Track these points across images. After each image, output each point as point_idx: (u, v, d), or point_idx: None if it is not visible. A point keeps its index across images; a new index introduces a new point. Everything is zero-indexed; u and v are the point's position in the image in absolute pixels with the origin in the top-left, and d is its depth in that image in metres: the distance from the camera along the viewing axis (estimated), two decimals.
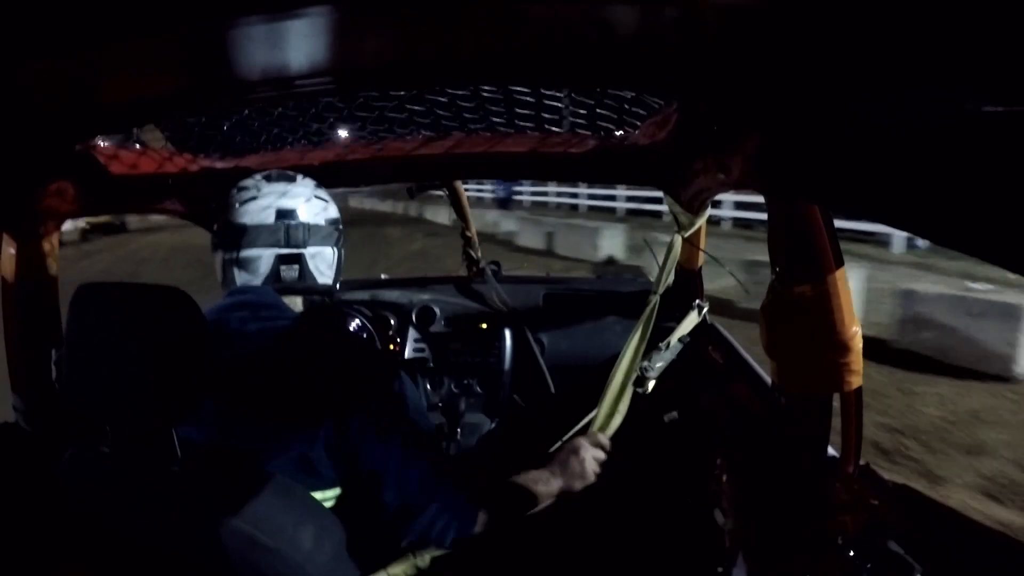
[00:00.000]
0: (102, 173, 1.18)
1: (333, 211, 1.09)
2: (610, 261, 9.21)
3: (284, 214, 1.01)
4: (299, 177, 1.09)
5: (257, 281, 1.02)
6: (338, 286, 1.14)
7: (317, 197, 1.07)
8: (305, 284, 1.03)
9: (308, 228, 1.02)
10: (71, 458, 0.93)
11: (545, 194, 16.54)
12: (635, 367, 1.43)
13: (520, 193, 17.66)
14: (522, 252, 10.46)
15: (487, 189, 19.51)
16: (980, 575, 0.73)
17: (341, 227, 1.11)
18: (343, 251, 1.12)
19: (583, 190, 15.01)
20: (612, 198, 14.01)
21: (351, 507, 0.99)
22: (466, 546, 1.11)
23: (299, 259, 1.02)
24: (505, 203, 18.03)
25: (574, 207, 15.22)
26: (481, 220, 12.55)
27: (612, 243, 9.69)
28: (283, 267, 1.01)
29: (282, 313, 0.99)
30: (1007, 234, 0.47)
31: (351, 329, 1.11)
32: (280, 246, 1.01)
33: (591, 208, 14.66)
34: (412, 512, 0.93)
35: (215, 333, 0.91)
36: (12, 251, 1.15)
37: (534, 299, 1.98)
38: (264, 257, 1.01)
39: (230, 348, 0.93)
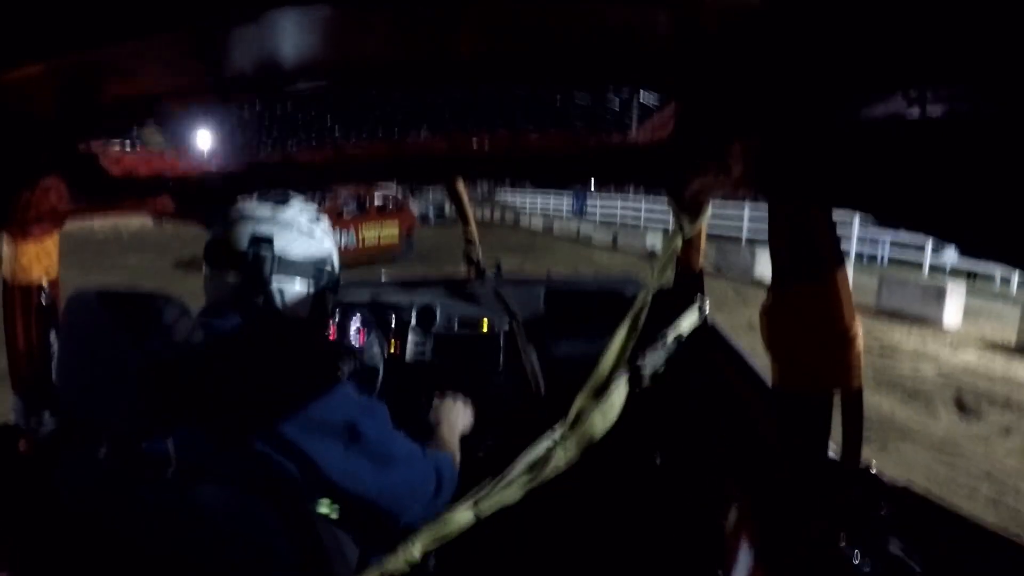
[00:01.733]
0: (101, 173, 1.18)
1: (322, 248, 1.01)
2: (652, 253, 13.62)
3: (257, 240, 0.95)
4: (295, 202, 1.02)
5: (221, 304, 0.97)
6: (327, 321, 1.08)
7: (303, 232, 0.99)
8: (271, 317, 0.96)
9: (279, 260, 0.95)
10: (67, 463, 0.93)
11: (614, 212, 22.11)
12: (622, 361, 1.42)
13: (594, 209, 22.93)
14: (596, 247, 16.18)
15: (564, 204, 25.69)
16: None
17: (331, 267, 1.03)
18: (329, 292, 1.04)
19: (643, 211, 20.44)
20: (666, 221, 18.87)
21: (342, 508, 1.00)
22: (459, 541, 1.12)
23: (264, 289, 0.95)
24: (579, 213, 23.31)
25: (635, 226, 20.11)
26: (567, 227, 20.06)
27: (655, 241, 14.76)
28: (248, 294, 0.95)
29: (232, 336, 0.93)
30: (1006, 232, 0.47)
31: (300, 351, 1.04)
32: (245, 273, 0.95)
33: (647, 226, 19.45)
34: (409, 506, 0.98)
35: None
36: (12, 252, 1.15)
37: (535, 299, 1.97)
38: (231, 282, 0.96)
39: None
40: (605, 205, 22.77)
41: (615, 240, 16.51)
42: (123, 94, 0.87)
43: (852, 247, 12.55)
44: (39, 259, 1.18)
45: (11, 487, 1.09)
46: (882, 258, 12.73)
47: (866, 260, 12.60)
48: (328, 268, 1.03)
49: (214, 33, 0.66)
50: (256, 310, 0.95)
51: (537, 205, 29.00)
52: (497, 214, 27.23)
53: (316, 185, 1.58)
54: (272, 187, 1.14)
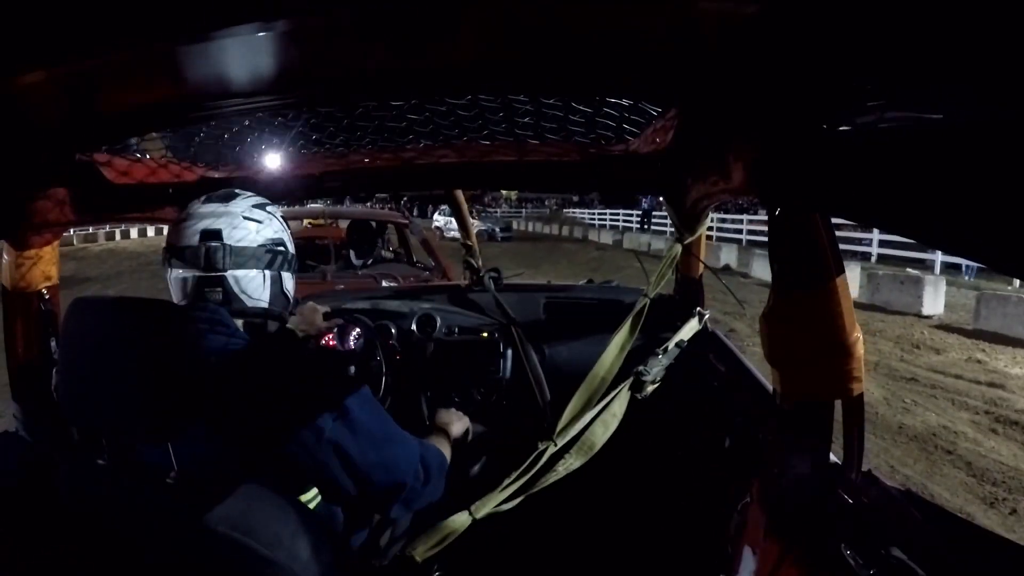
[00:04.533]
0: (102, 182, 1.18)
1: (270, 232, 1.05)
2: (727, 267, 13.30)
3: (207, 235, 0.99)
4: (241, 196, 1.06)
5: (182, 302, 1.00)
6: (288, 308, 1.10)
7: (249, 218, 1.03)
8: (234, 308, 1.00)
9: (230, 250, 0.99)
10: (68, 470, 0.93)
11: None
12: (620, 368, 1.43)
13: (664, 224, 22.14)
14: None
15: (634, 217, 26.08)
16: None
17: (283, 248, 1.07)
18: (285, 273, 1.07)
19: (715, 223, 19.57)
20: (739, 231, 18.91)
21: (338, 512, 1.00)
22: (462, 544, 1.16)
23: (221, 282, 0.99)
24: (644, 225, 23.21)
25: (709, 238, 18.81)
26: (638, 240, 18.97)
27: (729, 257, 14.04)
28: (206, 289, 0.99)
29: (233, 332, 0.95)
30: (1001, 238, 0.47)
31: (303, 353, 1.07)
32: (200, 268, 0.98)
33: (719, 238, 19.07)
34: (400, 484, 1.00)
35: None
36: (13, 260, 1.16)
37: (534, 308, 1.97)
38: (188, 279, 0.99)
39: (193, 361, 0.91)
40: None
41: None
42: (122, 104, 0.88)
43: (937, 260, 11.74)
44: (39, 267, 1.18)
45: (12, 494, 1.08)
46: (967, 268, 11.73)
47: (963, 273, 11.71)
48: (280, 249, 1.06)
49: (213, 44, 0.66)
50: (215, 302, 0.99)
51: (606, 219, 28.77)
52: (565, 230, 27.23)
53: (317, 194, 1.58)
54: (275, 197, 1.15)
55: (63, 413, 0.95)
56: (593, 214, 32.29)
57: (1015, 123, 0.46)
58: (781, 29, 0.61)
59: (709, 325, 1.66)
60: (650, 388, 1.46)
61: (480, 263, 2.09)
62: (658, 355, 1.49)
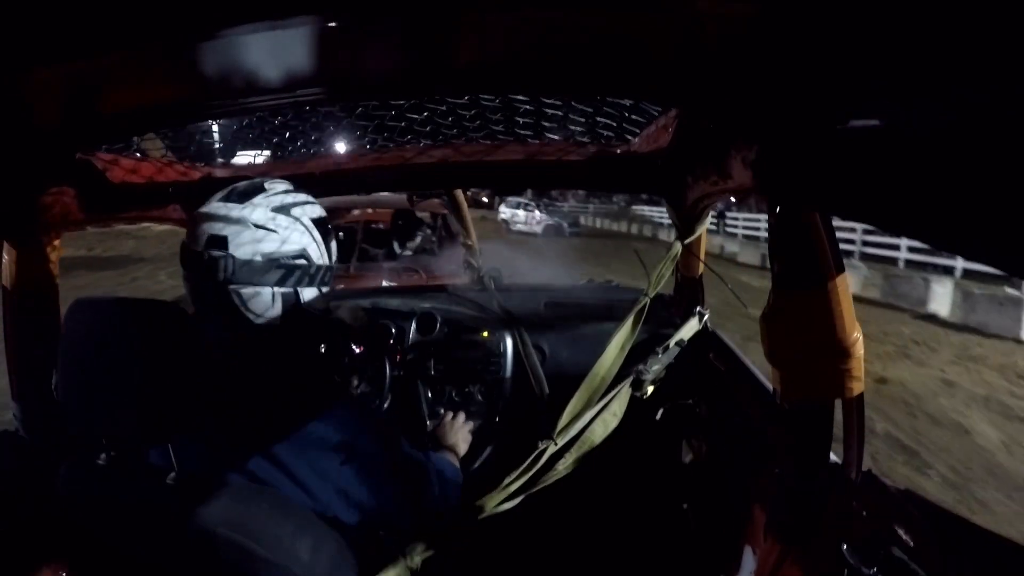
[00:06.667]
0: (103, 181, 1.19)
1: (287, 243, 0.92)
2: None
3: (212, 242, 0.88)
4: (265, 194, 0.95)
5: (190, 308, 0.94)
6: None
7: (262, 227, 0.90)
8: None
9: (234, 262, 0.88)
10: (68, 470, 0.92)
11: (757, 228, 20.42)
12: (620, 368, 1.42)
13: (735, 223, 21.78)
14: (742, 266, 14.51)
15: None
16: None
17: (304, 260, 0.94)
18: (306, 289, 0.95)
19: (741, 221, 19.64)
20: None
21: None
22: (458, 547, 1.15)
23: (222, 295, 0.90)
24: (721, 225, 22.59)
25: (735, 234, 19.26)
26: (710, 243, 16.35)
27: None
28: (206, 297, 0.91)
29: (235, 335, 0.92)
30: (998, 237, 0.47)
31: (303, 364, 0.99)
32: (203, 277, 0.89)
33: (747, 236, 18.64)
34: (414, 505, 1.00)
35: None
36: (13, 260, 1.15)
37: (535, 307, 1.96)
38: (194, 286, 0.92)
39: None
40: (748, 218, 20.37)
41: (763, 261, 14.67)
42: (123, 103, 0.88)
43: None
44: (40, 267, 1.18)
45: (12, 494, 1.09)
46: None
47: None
48: (299, 262, 0.94)
49: (214, 44, 0.67)
50: (221, 313, 0.92)
51: None
52: (634, 227, 26.04)
53: (319, 194, 1.61)
54: None
55: (63, 413, 0.96)
56: (663, 212, 31.55)
57: (1019, 123, 0.45)
58: (782, 29, 0.61)
59: (709, 325, 1.64)
60: (650, 387, 1.45)
61: (480, 263, 2.08)
62: (658, 354, 1.48)
